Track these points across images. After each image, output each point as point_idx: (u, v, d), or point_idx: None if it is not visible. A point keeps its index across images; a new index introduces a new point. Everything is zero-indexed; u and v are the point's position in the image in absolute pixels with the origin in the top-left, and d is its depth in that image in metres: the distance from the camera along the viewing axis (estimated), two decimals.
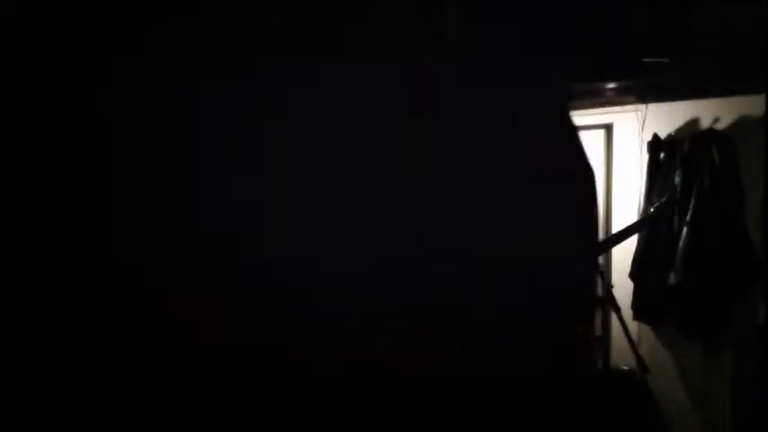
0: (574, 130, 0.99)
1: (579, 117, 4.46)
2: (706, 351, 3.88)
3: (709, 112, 3.93)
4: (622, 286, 3.91)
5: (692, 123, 3.98)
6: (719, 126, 3.87)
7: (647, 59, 3.80)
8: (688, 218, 3.77)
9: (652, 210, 3.40)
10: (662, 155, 4.02)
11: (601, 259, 2.87)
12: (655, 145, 4.04)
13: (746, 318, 3.75)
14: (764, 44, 3.28)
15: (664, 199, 3.74)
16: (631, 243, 3.95)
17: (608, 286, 2.59)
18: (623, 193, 4.29)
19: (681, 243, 3.76)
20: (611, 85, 4.25)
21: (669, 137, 4.03)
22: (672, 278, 3.78)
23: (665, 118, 4.08)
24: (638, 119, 4.18)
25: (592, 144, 4.36)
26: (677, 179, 3.87)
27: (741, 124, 3.81)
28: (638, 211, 4.12)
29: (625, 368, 3.63)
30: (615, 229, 4.29)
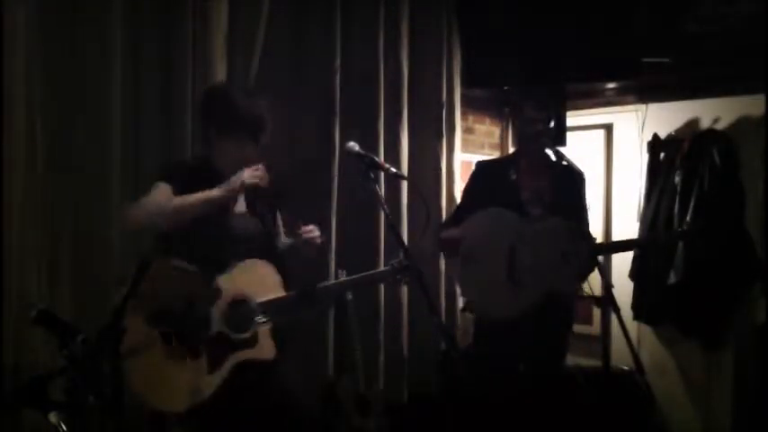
0: None
1: (579, 117, 4.45)
2: (706, 351, 3.87)
3: (709, 112, 3.92)
4: (622, 286, 3.90)
5: (692, 123, 3.98)
6: (719, 126, 3.87)
7: (647, 59, 3.80)
8: (688, 218, 3.76)
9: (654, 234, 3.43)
10: (662, 155, 4.01)
11: (600, 259, 2.86)
12: (655, 145, 4.04)
13: (746, 318, 3.74)
14: (764, 44, 3.27)
15: (671, 231, 3.73)
16: None
17: (608, 286, 2.58)
18: (623, 194, 4.28)
19: (681, 243, 3.75)
20: (611, 85, 4.25)
21: (669, 137, 4.02)
22: (672, 278, 3.78)
23: (665, 118, 4.07)
24: (638, 119, 4.17)
25: (592, 144, 4.36)
26: (677, 179, 3.86)
27: (741, 124, 3.80)
28: (638, 212, 4.11)
29: (625, 368, 3.63)
30: (615, 228, 4.29)
